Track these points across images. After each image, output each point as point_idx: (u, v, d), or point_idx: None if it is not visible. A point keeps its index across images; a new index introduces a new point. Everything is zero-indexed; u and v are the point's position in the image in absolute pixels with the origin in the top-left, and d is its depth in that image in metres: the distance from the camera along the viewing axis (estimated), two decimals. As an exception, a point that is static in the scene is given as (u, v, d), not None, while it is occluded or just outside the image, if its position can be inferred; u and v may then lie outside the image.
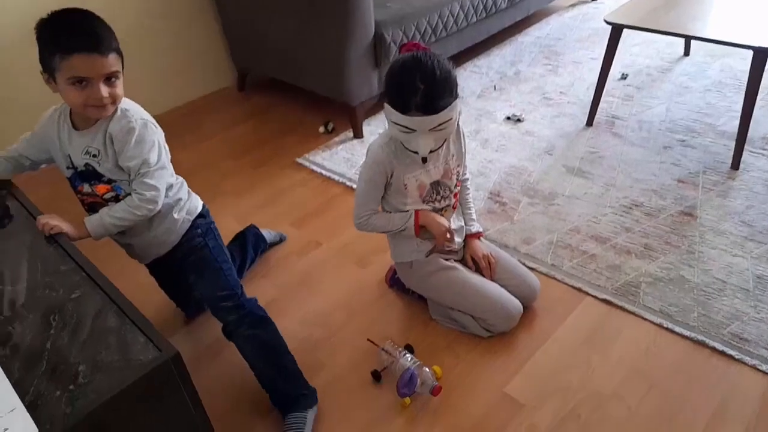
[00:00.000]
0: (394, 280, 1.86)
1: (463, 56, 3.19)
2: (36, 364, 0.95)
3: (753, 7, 2.33)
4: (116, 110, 1.31)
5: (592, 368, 1.57)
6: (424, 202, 1.61)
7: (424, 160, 1.50)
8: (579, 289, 1.80)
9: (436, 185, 1.60)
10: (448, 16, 2.74)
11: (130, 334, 0.99)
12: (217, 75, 3.17)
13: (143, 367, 0.92)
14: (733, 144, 2.25)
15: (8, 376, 0.91)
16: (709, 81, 2.84)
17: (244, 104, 3.08)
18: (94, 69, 1.21)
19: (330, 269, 1.97)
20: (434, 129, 1.40)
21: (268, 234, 2.02)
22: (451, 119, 1.41)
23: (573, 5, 3.86)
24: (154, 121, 1.37)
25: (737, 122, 2.21)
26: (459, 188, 1.70)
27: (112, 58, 1.23)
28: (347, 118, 2.67)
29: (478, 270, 1.71)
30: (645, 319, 1.69)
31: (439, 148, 1.53)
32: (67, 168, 1.37)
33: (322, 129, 2.73)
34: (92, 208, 1.39)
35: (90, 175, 1.35)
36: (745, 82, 2.13)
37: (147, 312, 1.05)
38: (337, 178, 2.41)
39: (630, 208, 2.10)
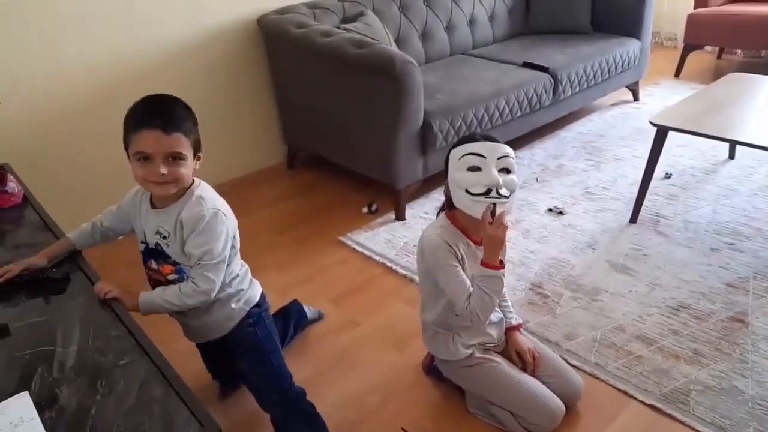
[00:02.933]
0: (431, 368, 1.82)
1: (506, 147, 3.26)
2: (79, 429, 0.95)
3: (801, 116, 2.35)
4: (192, 196, 1.35)
5: (640, 480, 1.48)
6: None
7: (493, 214, 1.46)
8: (625, 392, 1.72)
9: None
10: (493, 110, 2.83)
11: (173, 405, 0.99)
12: (269, 152, 3.31)
13: (185, 442, 0.91)
14: (784, 250, 2.20)
15: (51, 440, 0.92)
16: (756, 185, 2.82)
17: (292, 181, 3.18)
18: (156, 146, 1.25)
19: (367, 350, 1.94)
20: (500, 161, 1.49)
21: (308, 311, 2.03)
22: (510, 159, 1.51)
23: (615, 104, 3.95)
24: (227, 210, 1.40)
25: (788, 228, 2.17)
26: None
27: (177, 137, 1.26)
28: (391, 200, 2.72)
29: (522, 365, 1.67)
30: (696, 431, 1.59)
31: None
32: (141, 242, 1.43)
33: (365, 209, 2.79)
34: (155, 285, 1.43)
35: (158, 254, 1.40)
36: (796, 189, 2.11)
37: (185, 380, 1.05)
38: (377, 258, 2.43)
39: (677, 309, 2.04)
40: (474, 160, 1.49)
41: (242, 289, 1.50)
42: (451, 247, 1.53)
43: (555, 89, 3.16)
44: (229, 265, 1.43)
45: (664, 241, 2.44)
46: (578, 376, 1.70)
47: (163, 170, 1.26)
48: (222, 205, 1.40)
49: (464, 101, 2.72)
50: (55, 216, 1.63)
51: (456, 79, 2.97)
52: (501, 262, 1.51)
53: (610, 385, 1.75)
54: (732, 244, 2.39)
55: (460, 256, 1.54)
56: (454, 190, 1.53)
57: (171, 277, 1.40)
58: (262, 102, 3.17)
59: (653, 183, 2.59)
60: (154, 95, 1.32)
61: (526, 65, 3.19)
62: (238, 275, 1.48)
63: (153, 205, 1.39)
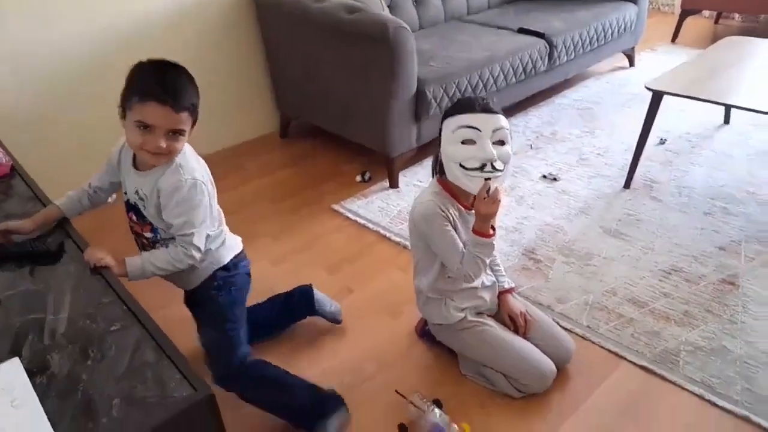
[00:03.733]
0: (424, 332, 1.83)
1: (500, 114, 3.23)
2: (71, 395, 0.95)
3: (797, 79, 2.33)
4: (172, 163, 1.34)
5: (629, 438, 1.50)
6: None
7: (488, 190, 1.45)
8: (616, 354, 1.74)
9: None
10: (488, 77, 2.80)
11: (166, 370, 1.00)
12: (262, 121, 3.28)
13: (177, 405, 0.92)
14: (776, 214, 2.20)
15: (43, 405, 0.92)
16: (750, 150, 2.81)
17: (285, 150, 3.16)
18: (163, 121, 1.25)
19: (361, 317, 1.96)
20: (495, 134, 1.45)
21: (328, 303, 1.91)
22: (506, 131, 1.48)
23: (611, 70, 3.91)
24: (206, 179, 1.39)
25: (781, 192, 2.17)
26: None
27: (184, 116, 1.28)
28: (384, 168, 2.71)
29: (514, 327, 1.68)
30: (685, 389, 1.62)
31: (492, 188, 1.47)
32: (125, 193, 1.44)
33: (359, 178, 2.78)
34: (137, 236, 1.45)
35: (137, 211, 1.40)
36: (790, 152, 2.10)
37: (177, 346, 1.05)
38: (371, 226, 2.43)
39: (669, 273, 2.05)
40: (469, 134, 1.46)
41: (210, 249, 1.47)
42: (443, 211, 1.53)
43: (550, 55, 3.12)
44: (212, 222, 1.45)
45: (657, 206, 2.44)
46: (570, 338, 1.72)
47: (163, 143, 1.26)
48: (201, 172, 1.38)
49: (458, 68, 2.69)
50: (44, 186, 1.61)
51: (450, 45, 2.93)
52: (492, 228, 1.52)
53: (602, 347, 1.77)
54: (725, 208, 2.39)
55: (452, 220, 1.54)
56: (446, 163, 1.51)
57: (148, 235, 1.42)
58: (255, 70, 3.12)
59: (648, 149, 2.58)
60: (165, 63, 1.30)
61: (522, 31, 3.14)
62: (209, 235, 1.45)
63: (135, 165, 1.39)
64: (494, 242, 1.53)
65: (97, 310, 1.14)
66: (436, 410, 1.53)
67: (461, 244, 1.54)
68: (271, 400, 1.53)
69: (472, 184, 1.47)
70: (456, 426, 1.48)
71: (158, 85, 1.25)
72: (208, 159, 1.45)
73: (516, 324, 1.68)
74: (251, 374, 1.53)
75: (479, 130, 1.45)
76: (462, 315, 1.64)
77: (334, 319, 1.91)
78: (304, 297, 1.86)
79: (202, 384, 0.96)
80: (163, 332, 1.08)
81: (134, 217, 1.43)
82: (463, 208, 1.58)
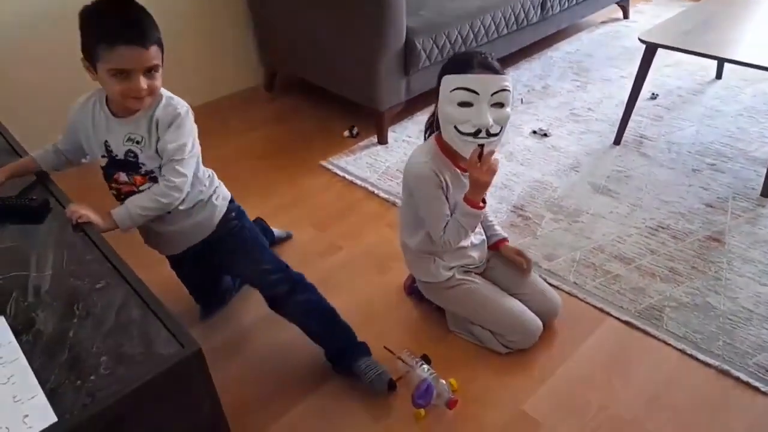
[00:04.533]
0: (412, 289, 1.84)
1: (491, 68, 3.18)
2: (58, 353, 0.94)
3: (792, 33, 2.29)
4: (161, 98, 1.33)
5: (613, 391, 1.54)
6: None
7: (481, 155, 1.40)
8: (601, 310, 1.77)
9: None
10: (479, 27, 2.73)
11: (153, 327, 0.99)
12: (246, 73, 3.19)
13: (165, 362, 0.92)
14: (764, 171, 2.21)
15: (30, 363, 0.91)
16: (741, 106, 2.80)
17: (271, 105, 3.09)
18: (136, 61, 1.22)
19: (349, 274, 1.96)
20: (494, 97, 1.38)
21: (275, 230, 2.08)
22: (506, 93, 1.39)
23: (604, 22, 3.83)
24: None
25: (770, 149, 2.17)
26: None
27: (154, 50, 1.24)
28: (373, 124, 2.66)
29: (526, 263, 1.69)
30: (668, 344, 1.65)
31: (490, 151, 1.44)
32: (102, 156, 1.38)
33: (347, 133, 2.73)
34: (128, 197, 1.38)
35: (129, 165, 1.35)
36: (781, 109, 2.09)
37: (165, 304, 1.05)
38: (359, 182, 2.41)
39: (656, 230, 2.07)
40: (466, 96, 1.38)
41: (217, 186, 1.52)
42: (437, 176, 1.49)
43: (543, 5, 3.04)
44: (201, 163, 1.44)
45: (646, 162, 2.44)
46: (556, 294, 1.73)
47: (144, 84, 1.24)
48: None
49: (449, 17, 2.61)
50: (25, 143, 1.56)
51: (441, -6, 2.84)
52: (484, 201, 1.50)
53: (588, 303, 1.79)
54: (713, 164, 2.39)
55: (445, 184, 1.51)
56: (443, 122, 1.45)
57: (143, 187, 1.38)
58: (237, 20, 3.01)
59: (639, 104, 2.55)
60: (114, 1, 1.24)
61: (514, -20, 3.05)
62: (209, 175, 1.50)
63: (114, 114, 1.34)
64: (483, 214, 1.52)
65: (81, 267, 1.13)
66: (425, 366, 1.55)
67: (448, 213, 1.52)
68: (320, 323, 1.58)
69: (465, 148, 1.42)
70: (444, 381, 1.50)
71: (120, 25, 1.20)
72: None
73: (526, 258, 1.69)
74: (305, 281, 1.59)
75: (477, 93, 1.37)
76: (450, 274, 1.64)
77: (288, 235, 2.12)
78: (262, 229, 1.96)
79: (189, 340, 0.96)
80: (149, 289, 1.07)
81: (123, 177, 1.38)
82: (458, 170, 1.54)
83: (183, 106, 1.35)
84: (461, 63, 1.42)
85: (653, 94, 2.92)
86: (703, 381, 1.55)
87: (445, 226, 1.51)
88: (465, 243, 1.64)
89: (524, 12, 2.93)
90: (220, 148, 2.68)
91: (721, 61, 2.94)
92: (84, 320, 1.01)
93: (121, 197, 1.40)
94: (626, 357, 1.63)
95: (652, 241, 2.02)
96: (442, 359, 1.63)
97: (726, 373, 1.56)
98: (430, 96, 2.88)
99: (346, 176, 2.46)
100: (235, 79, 3.17)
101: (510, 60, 3.26)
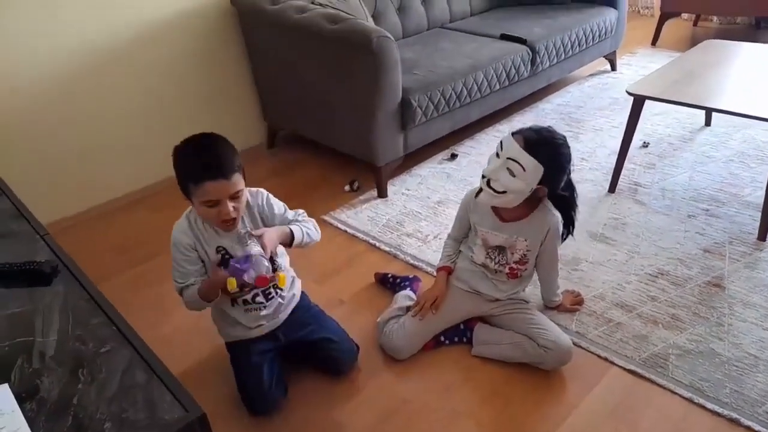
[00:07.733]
0: (383, 279, 2.13)
1: (485, 121, 3.25)
2: (62, 419, 0.94)
3: (774, 82, 2.37)
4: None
5: (621, 443, 1.52)
6: (486, 256, 1.79)
7: (481, 192, 1.66)
8: (605, 359, 1.76)
9: (497, 249, 1.76)
10: (472, 84, 2.82)
11: (157, 391, 0.99)
12: (249, 133, 3.25)
13: (168, 428, 0.91)
14: (758, 215, 2.24)
15: (33, 431, 0.91)
16: (731, 151, 2.86)
17: (272, 161, 3.15)
18: (222, 192, 1.41)
19: (352, 327, 1.94)
20: (506, 162, 1.60)
21: None
22: (516, 164, 1.60)
23: (592, 75, 3.95)
24: None
25: (762, 192, 2.20)
26: (523, 268, 1.80)
27: (236, 177, 1.43)
28: (372, 178, 2.71)
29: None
30: (675, 393, 1.64)
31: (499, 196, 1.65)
32: (234, 254, 1.58)
33: (347, 187, 2.78)
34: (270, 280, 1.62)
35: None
36: (769, 154, 2.14)
37: (168, 365, 1.05)
38: (360, 236, 2.43)
39: (655, 276, 2.08)
40: (496, 149, 1.65)
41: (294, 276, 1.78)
42: (473, 203, 1.76)
43: (533, 61, 3.15)
44: None
45: (641, 209, 2.47)
46: (568, 337, 1.74)
47: (230, 208, 1.44)
48: None
49: (442, 76, 2.70)
50: (29, 205, 1.59)
51: (434, 53, 2.95)
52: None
53: (592, 352, 1.79)
54: (708, 210, 2.42)
55: (475, 213, 1.80)
56: None
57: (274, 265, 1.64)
58: (240, 82, 3.11)
59: (631, 152, 2.61)
60: (198, 142, 1.44)
61: (504, 37, 3.17)
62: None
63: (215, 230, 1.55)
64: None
65: (86, 332, 1.13)
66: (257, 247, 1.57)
67: (459, 235, 1.90)
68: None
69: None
70: (269, 266, 1.62)
71: (203, 166, 1.39)
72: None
73: (580, 301, 1.97)
74: None
75: (500, 150, 1.62)
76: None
77: None
78: None
79: (193, 405, 0.95)
80: (153, 352, 1.07)
81: (252, 274, 1.51)
82: (498, 218, 1.76)
83: (263, 193, 1.65)
84: (521, 131, 1.70)
85: (644, 142, 2.98)
86: (712, 431, 1.53)
87: (449, 239, 1.98)
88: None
89: (515, 68, 3.03)
90: (221, 206, 2.71)
91: (709, 111, 3.01)
92: (88, 386, 1.00)
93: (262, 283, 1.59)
94: (633, 407, 1.61)
95: (652, 287, 2.03)
96: (450, 407, 1.61)
97: (735, 422, 1.54)
98: (428, 150, 2.95)
99: (347, 229, 2.48)
100: (239, 139, 3.20)
101: (502, 113, 3.35)
